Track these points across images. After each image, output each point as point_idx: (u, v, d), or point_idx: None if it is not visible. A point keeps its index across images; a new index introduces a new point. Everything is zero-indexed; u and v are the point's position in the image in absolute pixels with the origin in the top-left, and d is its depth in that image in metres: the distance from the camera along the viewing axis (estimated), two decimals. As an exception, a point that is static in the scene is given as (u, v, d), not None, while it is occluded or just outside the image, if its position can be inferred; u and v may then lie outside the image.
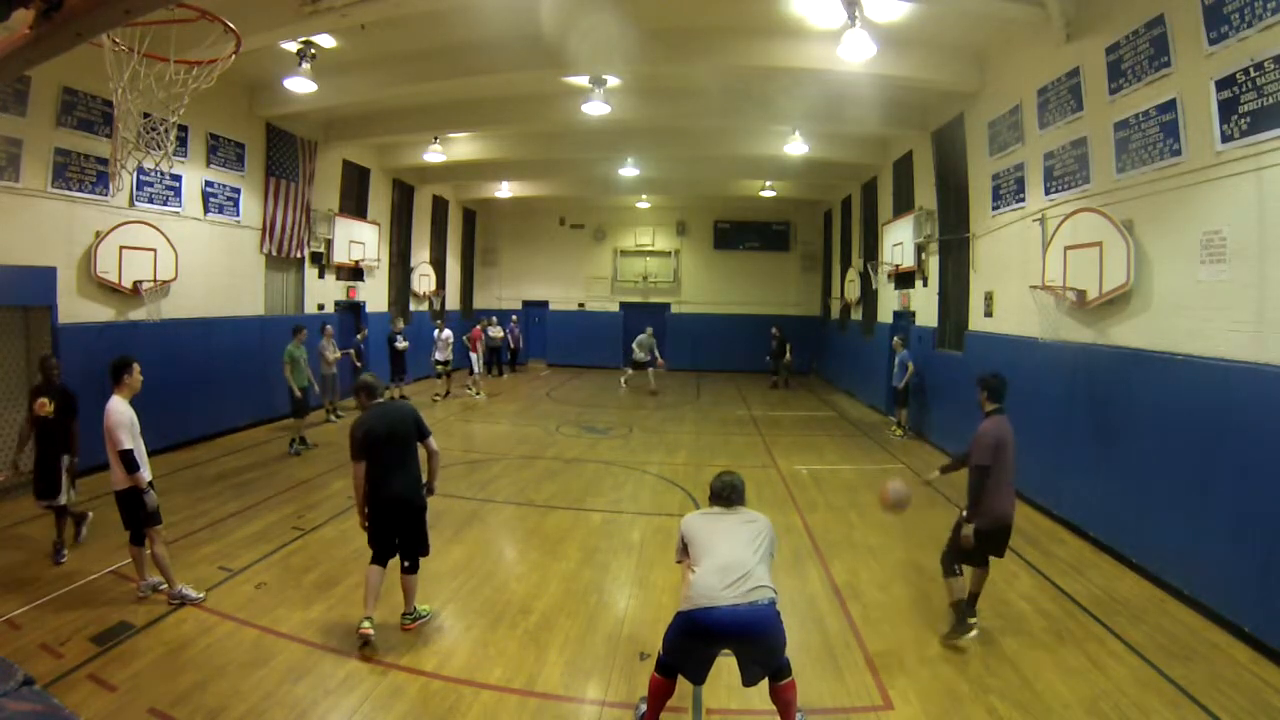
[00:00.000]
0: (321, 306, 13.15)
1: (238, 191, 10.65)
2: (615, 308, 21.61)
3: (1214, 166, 5.06)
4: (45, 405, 5.52)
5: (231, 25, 3.80)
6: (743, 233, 21.12)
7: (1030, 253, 7.71)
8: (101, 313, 8.42)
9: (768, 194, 17.60)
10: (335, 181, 13.59)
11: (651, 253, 21.38)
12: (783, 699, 3.42)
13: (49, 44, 2.62)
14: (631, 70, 9.65)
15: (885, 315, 13.85)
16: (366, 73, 9.68)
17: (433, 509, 7.12)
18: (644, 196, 19.86)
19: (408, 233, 16.94)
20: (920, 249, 11.62)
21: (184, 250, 9.37)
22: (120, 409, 4.65)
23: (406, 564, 4.52)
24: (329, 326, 11.63)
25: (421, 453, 4.63)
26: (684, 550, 3.46)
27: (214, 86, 4.00)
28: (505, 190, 18.73)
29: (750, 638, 3.21)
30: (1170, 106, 5.46)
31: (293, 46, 8.52)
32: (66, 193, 7.84)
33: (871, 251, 14.59)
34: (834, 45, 7.62)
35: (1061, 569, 5.77)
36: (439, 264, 18.63)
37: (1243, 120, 4.75)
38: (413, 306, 17.10)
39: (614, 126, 12.09)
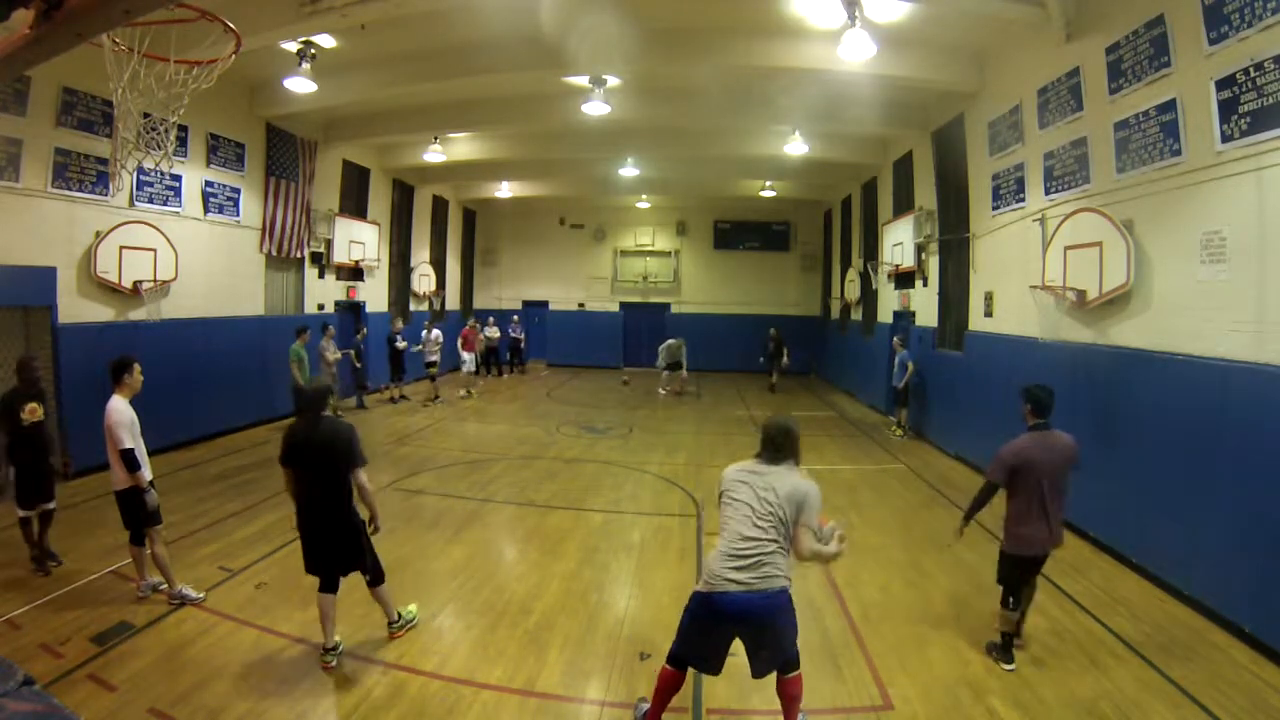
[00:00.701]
0: (321, 306, 13.15)
1: (238, 191, 10.65)
2: (615, 308, 21.60)
3: (1214, 166, 5.06)
4: (37, 410, 5.39)
5: (231, 25, 3.80)
6: (743, 233, 21.11)
7: (1030, 253, 7.70)
8: (101, 313, 8.42)
9: (768, 194, 17.60)
10: (335, 181, 13.59)
11: (651, 253, 21.38)
12: (788, 693, 3.34)
13: (49, 44, 2.62)
14: (631, 70, 9.65)
15: (885, 315, 13.84)
16: (366, 73, 9.68)
17: (433, 509, 7.23)
18: (644, 196, 19.85)
19: (408, 233, 16.94)
20: (920, 249, 11.62)
21: (184, 250, 9.37)
22: (121, 408, 4.64)
23: (367, 578, 4.25)
24: (330, 327, 11.64)
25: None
26: (720, 502, 3.35)
27: (214, 86, 3.99)
28: (505, 190, 18.73)
29: (758, 626, 3.15)
30: (1170, 106, 5.46)
31: (293, 46, 8.52)
32: (66, 193, 7.84)
33: (871, 251, 14.58)
34: (834, 45, 7.62)
35: (1062, 569, 5.75)
36: (439, 264, 18.63)
37: (1243, 120, 4.75)
38: (413, 306, 17.11)
39: (614, 126, 12.08)
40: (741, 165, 15.49)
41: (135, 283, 8.64)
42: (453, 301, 19.83)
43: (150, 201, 9.03)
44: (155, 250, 8.94)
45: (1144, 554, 5.67)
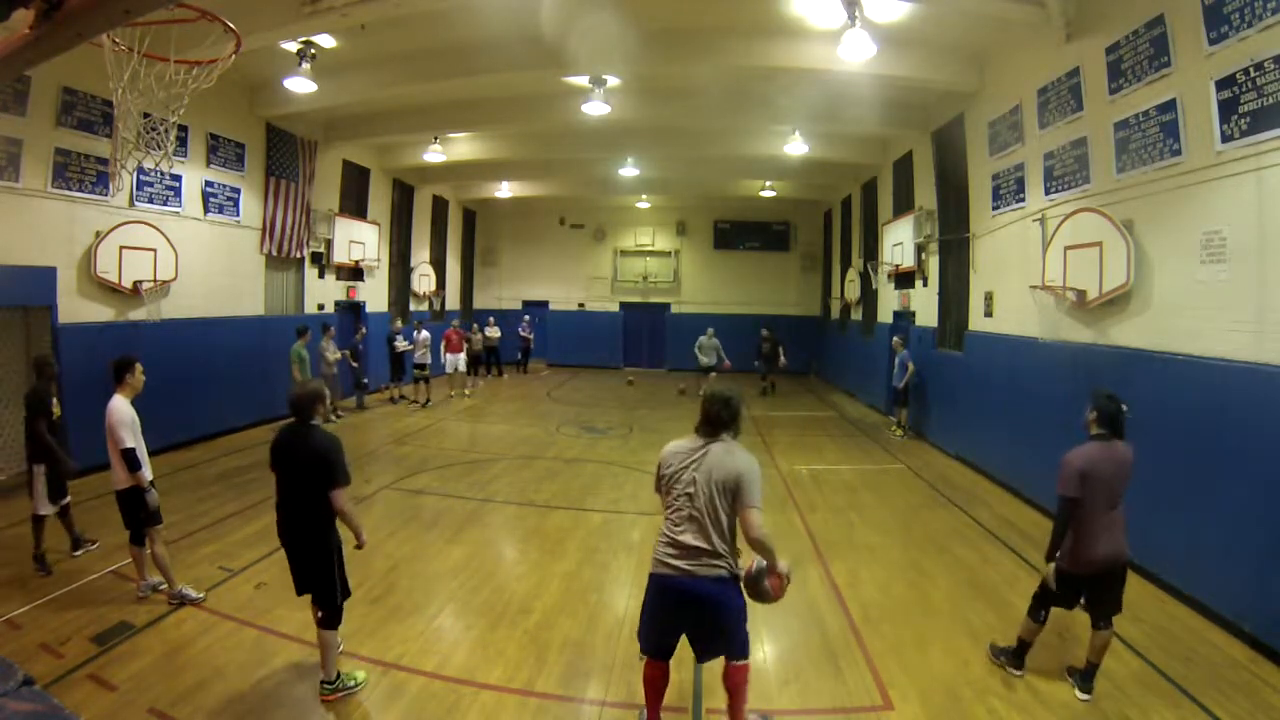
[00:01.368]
0: (321, 306, 13.15)
1: (238, 191, 10.65)
2: (615, 308, 21.61)
3: (1214, 166, 5.06)
4: (57, 406, 5.52)
5: (231, 25, 3.81)
6: (743, 233, 21.11)
7: (1030, 253, 7.70)
8: (101, 313, 8.43)
9: (768, 194, 17.60)
10: (335, 181, 13.60)
11: (651, 253, 21.38)
12: (732, 681, 3.26)
13: (49, 44, 2.63)
14: (631, 70, 9.65)
15: (885, 315, 13.85)
16: (366, 73, 9.68)
17: (433, 509, 7.22)
18: (644, 196, 19.86)
19: (408, 233, 16.94)
20: (920, 249, 11.62)
21: (184, 250, 9.37)
22: (122, 408, 4.65)
23: (318, 615, 3.78)
24: (330, 327, 11.64)
25: None
26: (659, 486, 3.30)
27: (214, 86, 4.00)
28: (505, 190, 18.74)
29: (698, 612, 3.13)
30: (1170, 106, 5.46)
31: (293, 46, 8.52)
32: (66, 193, 7.84)
33: (871, 251, 14.58)
34: (834, 45, 7.62)
35: (1061, 569, 5.77)
36: (439, 264, 18.63)
37: (1243, 120, 4.75)
38: (413, 306, 17.11)
39: (614, 126, 12.09)
40: (741, 165, 15.49)
41: (135, 283, 8.64)
42: (453, 301, 19.83)
43: (150, 201, 9.03)
44: (155, 250, 8.94)
45: (1144, 554, 5.63)
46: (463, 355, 14.68)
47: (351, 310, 14.30)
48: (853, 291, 16.29)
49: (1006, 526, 6.91)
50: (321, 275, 13.20)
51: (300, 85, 8.93)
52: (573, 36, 8.05)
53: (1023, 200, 8.09)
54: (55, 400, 5.49)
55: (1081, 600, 3.95)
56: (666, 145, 13.51)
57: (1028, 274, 7.65)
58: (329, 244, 13.11)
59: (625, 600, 5.12)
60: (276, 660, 4.12)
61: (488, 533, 6.62)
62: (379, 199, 15.31)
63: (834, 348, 18.70)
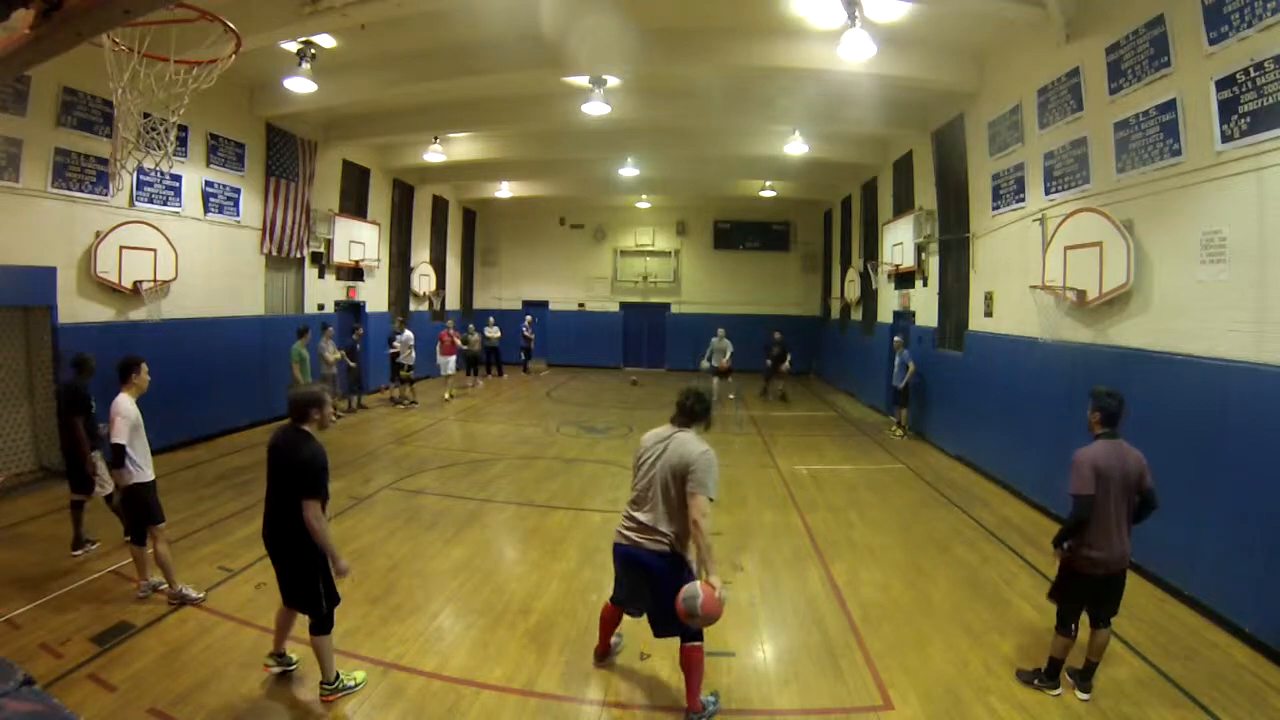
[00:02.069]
0: (321, 306, 13.15)
1: (238, 191, 10.65)
2: (615, 308, 21.61)
3: (1214, 166, 5.06)
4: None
5: (231, 25, 3.80)
6: (743, 233, 21.11)
7: (1030, 253, 7.70)
8: (101, 313, 8.42)
9: (768, 194, 17.59)
10: (335, 181, 13.59)
11: (651, 253, 21.38)
12: (684, 661, 3.57)
13: (49, 44, 2.62)
14: (631, 70, 9.64)
15: (885, 315, 13.85)
16: (366, 73, 9.68)
17: (433, 509, 7.23)
18: (644, 196, 19.86)
19: (408, 233, 16.94)
20: (920, 249, 11.62)
21: (184, 250, 9.37)
22: (126, 405, 4.68)
23: (311, 622, 3.74)
24: (329, 327, 11.64)
25: None
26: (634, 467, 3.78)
27: (214, 86, 3.99)
28: (505, 190, 18.74)
29: (642, 578, 3.63)
30: (1170, 106, 5.46)
31: (293, 46, 8.52)
32: (66, 193, 7.84)
33: (871, 251, 14.59)
34: (834, 45, 7.62)
35: (1061, 569, 5.77)
36: (439, 264, 18.63)
37: (1243, 120, 4.75)
38: (413, 306, 17.11)
39: (614, 126, 12.09)
40: (741, 165, 15.49)
41: (135, 283, 8.64)
42: (453, 302, 19.83)
43: (150, 201, 9.03)
44: (155, 250, 8.94)
45: (1144, 554, 5.64)
46: (453, 358, 14.58)
47: (352, 310, 14.30)
48: (853, 291, 16.29)
49: (1006, 526, 6.91)
50: (321, 275, 13.19)
51: (300, 85, 8.93)
52: (573, 36, 8.04)
53: (1023, 200, 8.09)
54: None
55: None
56: (666, 145, 13.51)
57: (1028, 274, 7.65)
58: (329, 244, 13.10)
59: (625, 600, 5.11)
60: (276, 660, 4.11)
61: (488, 533, 6.62)
62: (379, 199, 15.31)
63: (834, 348, 18.70)
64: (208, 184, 10.05)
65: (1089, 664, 3.89)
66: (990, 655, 4.34)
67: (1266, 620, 4.37)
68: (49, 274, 7.70)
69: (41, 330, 7.79)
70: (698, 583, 3.39)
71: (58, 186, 7.73)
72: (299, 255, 12.21)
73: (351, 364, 12.62)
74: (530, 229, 21.80)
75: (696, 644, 3.54)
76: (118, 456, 4.61)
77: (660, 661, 4.17)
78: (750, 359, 17.97)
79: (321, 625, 3.73)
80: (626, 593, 3.86)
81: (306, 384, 10.91)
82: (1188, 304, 5.39)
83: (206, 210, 10.06)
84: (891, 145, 13.14)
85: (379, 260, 15.13)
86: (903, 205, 12.67)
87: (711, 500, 3.44)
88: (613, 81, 9.99)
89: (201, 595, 4.84)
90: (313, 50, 8.64)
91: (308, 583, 3.70)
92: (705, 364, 14.97)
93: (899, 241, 12.37)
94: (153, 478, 4.86)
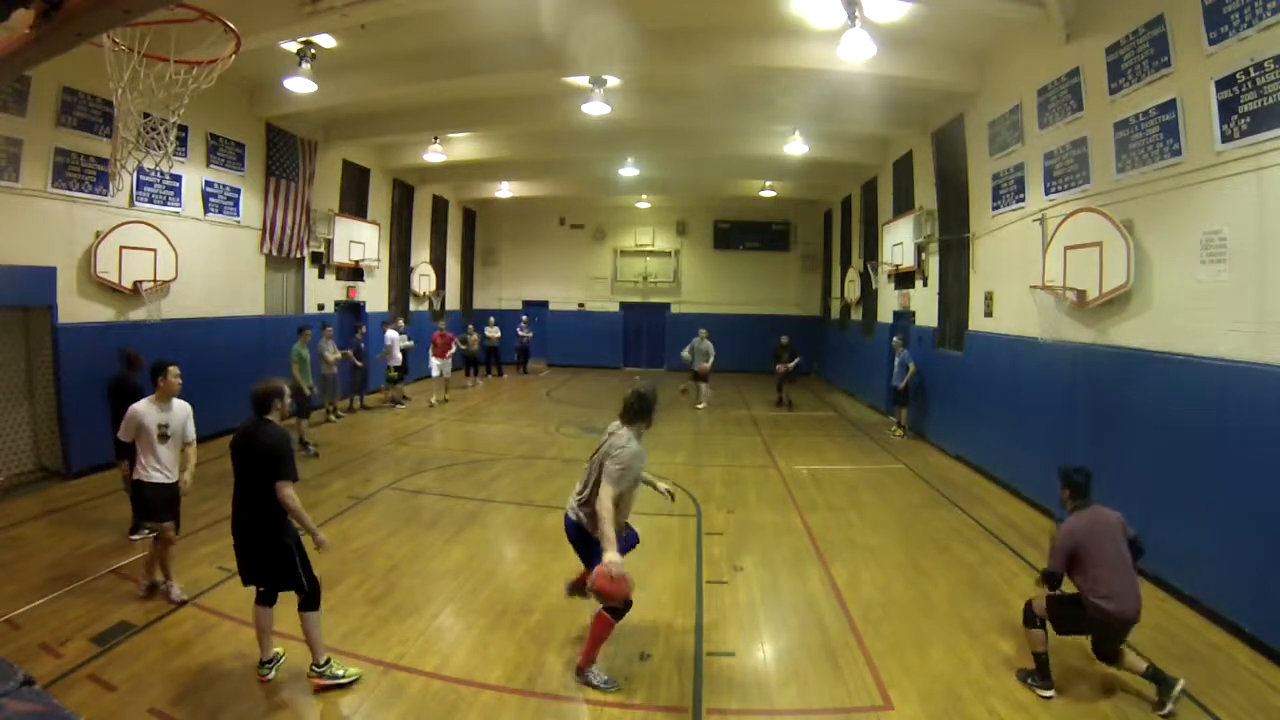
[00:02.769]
0: (321, 306, 13.15)
1: (238, 191, 10.64)
2: (615, 308, 21.61)
3: (1214, 166, 5.06)
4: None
5: (231, 25, 3.80)
6: (743, 233, 21.12)
7: (1030, 253, 7.70)
8: (102, 313, 8.42)
9: (768, 194, 17.59)
10: (335, 181, 13.59)
11: (651, 253, 21.39)
12: (592, 622, 3.91)
13: (49, 44, 2.63)
14: (631, 70, 9.64)
15: (885, 315, 13.85)
16: (366, 73, 9.67)
17: (433, 509, 7.22)
18: (644, 196, 19.86)
19: (408, 233, 16.93)
20: (920, 249, 11.62)
21: (184, 250, 9.36)
22: (144, 409, 4.74)
23: (299, 599, 3.85)
24: (328, 326, 11.63)
25: None
26: None
27: (214, 86, 3.99)
28: (505, 190, 18.74)
29: (572, 541, 4.13)
30: (1170, 106, 5.46)
31: (293, 46, 8.51)
32: (66, 193, 7.83)
33: (871, 251, 14.58)
34: (834, 45, 7.61)
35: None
36: (439, 264, 18.62)
37: (1243, 120, 4.75)
38: (413, 306, 17.10)
39: (614, 126, 12.09)
40: (741, 165, 15.49)
41: (135, 283, 8.63)
42: (453, 301, 19.83)
43: (150, 201, 9.03)
44: (155, 250, 8.93)
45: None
46: (447, 360, 14.21)
47: (352, 310, 14.29)
48: (853, 291, 16.30)
49: (1006, 526, 6.91)
50: (321, 275, 13.19)
51: (300, 85, 8.92)
52: (573, 36, 8.05)
53: (1023, 200, 8.09)
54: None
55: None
56: (666, 145, 13.51)
57: (1028, 274, 7.64)
58: (329, 244, 13.09)
59: (625, 600, 5.12)
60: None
61: (488, 533, 6.62)
62: (379, 199, 15.30)
63: (834, 348, 18.71)
64: (208, 184, 10.04)
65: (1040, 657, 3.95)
66: (990, 655, 4.34)
67: (1266, 620, 4.36)
68: (49, 274, 7.70)
69: (41, 330, 7.78)
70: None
71: (58, 186, 7.73)
72: (299, 255, 12.20)
73: (358, 364, 12.61)
74: (530, 229, 21.80)
75: (600, 613, 3.84)
76: (119, 451, 4.63)
77: (661, 661, 4.18)
78: (750, 359, 17.93)
79: (310, 601, 3.86)
80: (579, 553, 4.25)
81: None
82: (1188, 304, 5.38)
83: (206, 210, 10.06)
84: (891, 145, 13.13)
85: (379, 260, 15.12)
86: (903, 205, 12.67)
87: (618, 493, 3.82)
88: (613, 81, 9.99)
89: (184, 598, 4.81)
90: (313, 50, 8.64)
91: (285, 564, 3.83)
92: (686, 354, 14.43)
93: (899, 241, 12.37)
94: (166, 481, 4.86)
